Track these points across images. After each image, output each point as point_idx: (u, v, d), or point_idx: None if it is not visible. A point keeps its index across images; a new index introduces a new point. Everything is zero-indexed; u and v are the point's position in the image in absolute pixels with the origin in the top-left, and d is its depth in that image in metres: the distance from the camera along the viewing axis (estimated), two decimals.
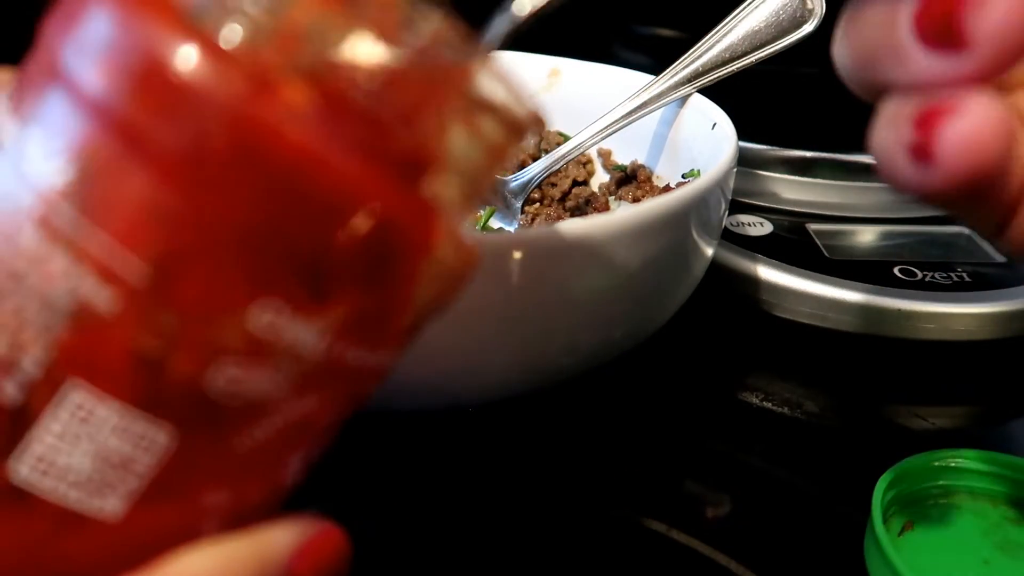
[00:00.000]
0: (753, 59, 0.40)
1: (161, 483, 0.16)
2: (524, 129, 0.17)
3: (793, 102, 0.57)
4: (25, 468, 0.15)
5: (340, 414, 0.18)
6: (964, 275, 0.40)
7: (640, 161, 0.44)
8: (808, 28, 0.39)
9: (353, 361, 0.17)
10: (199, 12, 0.15)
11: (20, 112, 0.16)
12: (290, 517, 0.18)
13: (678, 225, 0.30)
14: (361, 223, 0.15)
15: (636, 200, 0.43)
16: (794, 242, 0.43)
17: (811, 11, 0.39)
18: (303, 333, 0.16)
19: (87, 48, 0.15)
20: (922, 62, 0.18)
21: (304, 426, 0.17)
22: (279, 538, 0.18)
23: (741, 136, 0.35)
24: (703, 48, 0.40)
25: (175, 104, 0.14)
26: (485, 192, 0.17)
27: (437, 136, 0.16)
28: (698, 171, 0.39)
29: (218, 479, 0.17)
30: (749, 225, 0.44)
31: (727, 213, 0.35)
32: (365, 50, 0.15)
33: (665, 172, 0.43)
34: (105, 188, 0.15)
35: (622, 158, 0.46)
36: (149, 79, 0.14)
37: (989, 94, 0.17)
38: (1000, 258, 0.42)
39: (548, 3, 0.31)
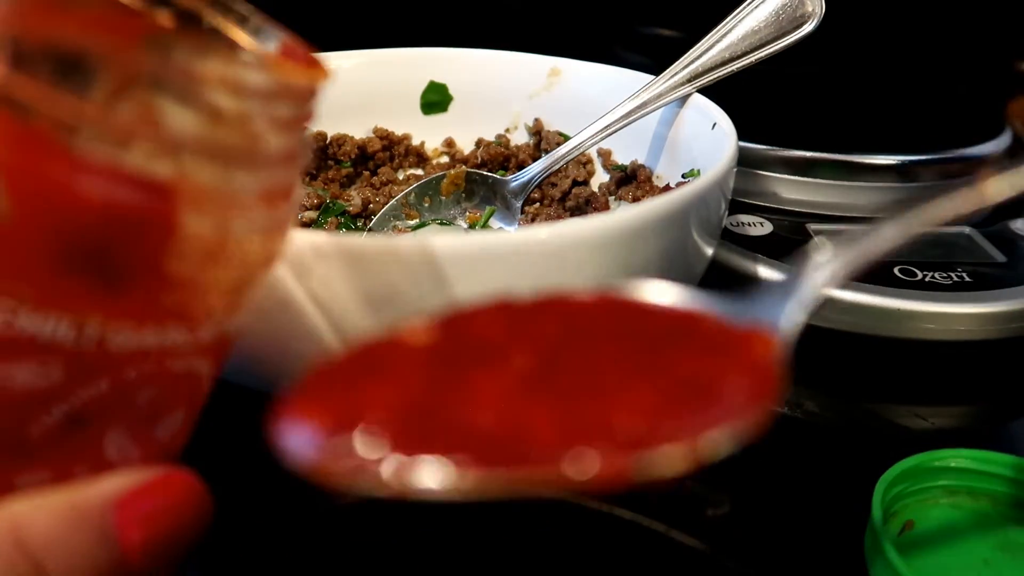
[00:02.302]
0: (753, 59, 0.40)
1: None
2: (270, 97, 0.17)
3: (793, 102, 0.57)
4: None
5: (175, 388, 0.18)
6: (964, 275, 0.40)
7: (640, 161, 0.44)
8: (808, 28, 0.39)
9: (131, 344, 0.16)
10: None
11: None
12: (135, 468, 0.17)
13: (678, 225, 0.30)
14: (81, 216, 0.15)
15: (636, 200, 0.43)
16: (794, 242, 0.43)
17: (811, 11, 0.39)
18: (47, 325, 0.16)
19: None
20: None
21: (116, 407, 0.17)
22: (98, 489, 0.16)
23: (741, 136, 0.35)
24: (703, 48, 0.40)
25: None
26: (252, 167, 0.17)
27: (146, 116, 0.16)
28: (698, 171, 0.39)
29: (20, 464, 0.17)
30: (749, 225, 0.44)
31: (727, 213, 0.35)
32: None
33: (665, 172, 0.43)
34: None
35: (622, 158, 0.46)
36: None
37: None
38: (1000, 258, 0.42)
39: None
